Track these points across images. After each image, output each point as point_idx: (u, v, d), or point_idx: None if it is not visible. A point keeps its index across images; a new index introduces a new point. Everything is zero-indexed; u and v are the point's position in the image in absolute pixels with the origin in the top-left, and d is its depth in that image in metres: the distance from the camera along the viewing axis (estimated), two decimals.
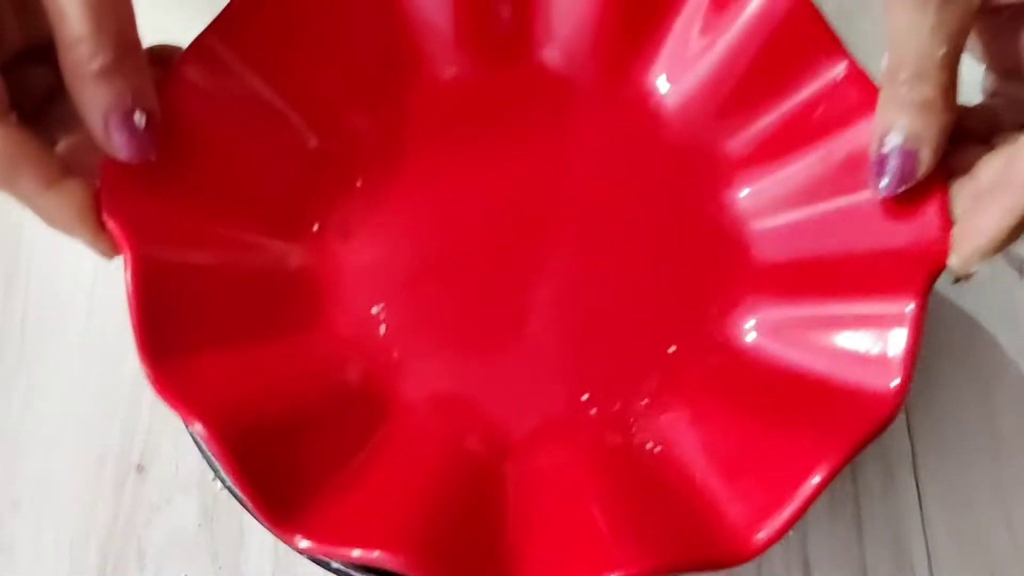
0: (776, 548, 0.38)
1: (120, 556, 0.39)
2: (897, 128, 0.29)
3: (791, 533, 0.38)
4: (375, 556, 0.28)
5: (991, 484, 0.39)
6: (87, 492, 0.40)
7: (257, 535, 0.39)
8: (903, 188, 0.30)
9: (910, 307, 0.30)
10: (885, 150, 0.30)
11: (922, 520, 0.39)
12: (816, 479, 0.29)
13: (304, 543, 0.29)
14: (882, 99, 0.29)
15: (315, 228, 0.36)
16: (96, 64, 0.28)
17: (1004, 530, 0.38)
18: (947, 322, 0.41)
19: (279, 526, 0.29)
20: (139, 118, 0.29)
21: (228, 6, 0.34)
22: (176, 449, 0.30)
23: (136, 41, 0.29)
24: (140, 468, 0.40)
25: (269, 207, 0.35)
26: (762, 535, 0.29)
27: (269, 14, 0.34)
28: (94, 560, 0.39)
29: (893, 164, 0.30)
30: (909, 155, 0.29)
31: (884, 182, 0.30)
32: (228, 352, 0.32)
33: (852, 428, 0.30)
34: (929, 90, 0.28)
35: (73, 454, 0.41)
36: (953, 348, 0.41)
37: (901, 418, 0.40)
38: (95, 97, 0.29)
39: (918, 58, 0.28)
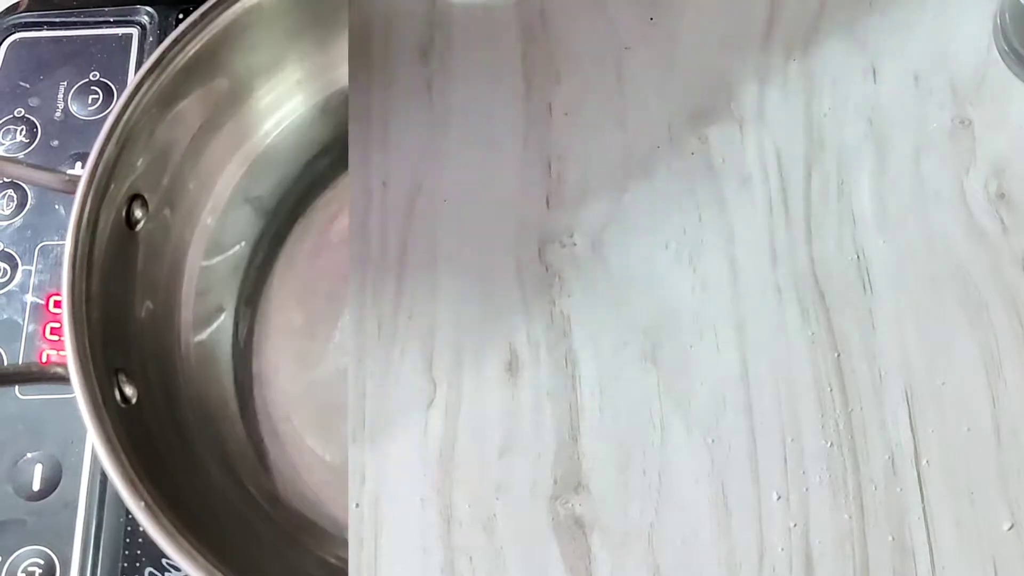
0: (778, 538, 0.38)
1: None
2: None
3: (791, 525, 0.38)
4: None
5: (994, 474, 0.39)
6: None
7: None
8: None
9: None
10: None
11: (924, 510, 0.38)
12: None
13: None
14: None
15: None
16: None
17: (1007, 520, 0.38)
18: (948, 308, 0.41)
19: None
20: None
21: None
22: None
23: None
24: None
25: None
26: None
27: None
28: None
29: None
30: None
31: None
32: None
33: None
34: None
35: None
36: (955, 334, 0.41)
37: (903, 409, 0.40)
38: None
39: None
